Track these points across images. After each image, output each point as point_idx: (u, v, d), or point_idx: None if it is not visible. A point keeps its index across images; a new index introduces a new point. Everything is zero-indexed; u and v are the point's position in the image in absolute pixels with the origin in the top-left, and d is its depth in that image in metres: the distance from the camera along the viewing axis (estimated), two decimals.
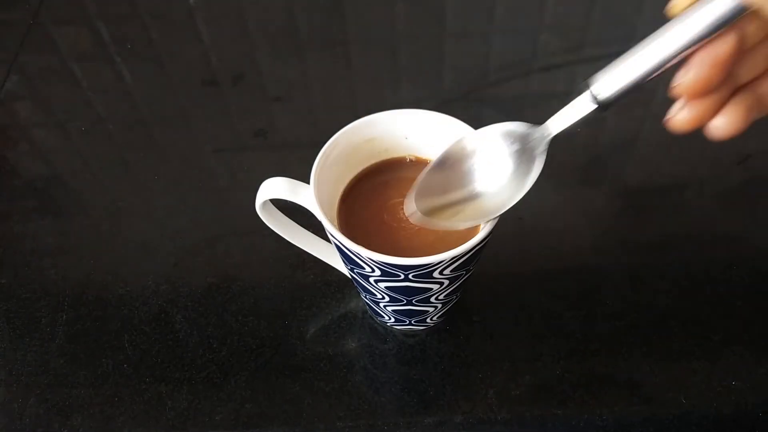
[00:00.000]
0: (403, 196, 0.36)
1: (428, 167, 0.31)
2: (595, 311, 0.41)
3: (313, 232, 0.39)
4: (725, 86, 0.24)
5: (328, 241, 0.37)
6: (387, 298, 0.35)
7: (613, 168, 0.50)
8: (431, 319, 0.39)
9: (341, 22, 0.64)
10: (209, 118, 0.55)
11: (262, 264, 0.45)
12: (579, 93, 0.25)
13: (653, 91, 0.56)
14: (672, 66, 0.23)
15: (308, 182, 0.33)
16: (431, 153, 0.37)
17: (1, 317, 0.43)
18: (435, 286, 0.33)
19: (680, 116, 0.24)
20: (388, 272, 0.31)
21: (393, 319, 0.39)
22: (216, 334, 0.41)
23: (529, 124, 0.29)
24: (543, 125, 0.28)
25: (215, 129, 0.54)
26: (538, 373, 0.39)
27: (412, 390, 0.38)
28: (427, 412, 0.37)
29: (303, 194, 0.33)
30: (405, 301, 0.35)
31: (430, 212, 0.31)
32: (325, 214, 0.31)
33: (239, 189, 0.50)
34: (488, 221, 0.30)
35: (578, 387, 0.38)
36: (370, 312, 0.41)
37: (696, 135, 0.52)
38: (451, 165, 0.31)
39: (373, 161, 0.37)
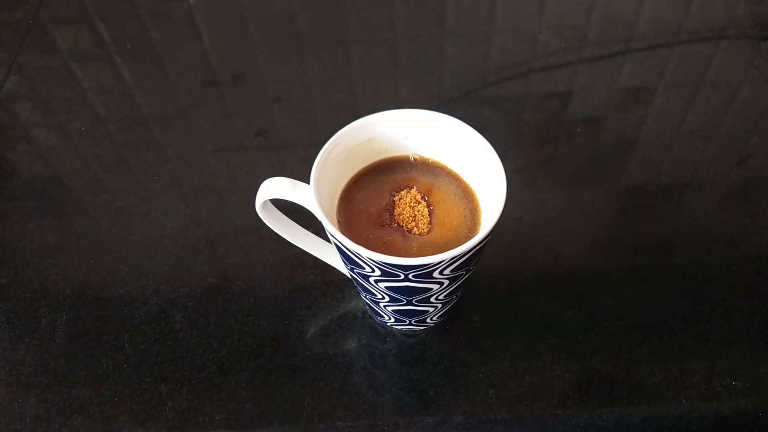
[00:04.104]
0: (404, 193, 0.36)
1: None
2: (595, 311, 0.41)
3: (313, 232, 0.39)
4: None
5: (328, 241, 0.37)
6: (387, 298, 0.35)
7: (613, 168, 0.50)
8: (431, 319, 0.39)
9: (341, 22, 0.64)
10: (209, 118, 0.55)
11: (262, 264, 0.45)
12: None
13: (653, 90, 0.56)
14: None
15: (308, 182, 0.33)
16: (431, 153, 0.37)
17: (1, 317, 0.43)
18: (435, 286, 0.33)
19: None
20: (388, 272, 0.31)
21: (393, 319, 0.39)
22: (216, 334, 0.41)
23: None
24: None
25: (215, 129, 0.54)
26: (538, 373, 0.39)
27: (412, 390, 0.38)
28: (427, 412, 0.37)
29: (303, 194, 0.33)
30: (405, 301, 0.35)
31: None
32: (325, 214, 0.31)
33: (239, 189, 0.50)
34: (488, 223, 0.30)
35: (578, 387, 0.38)
36: (370, 312, 0.41)
37: (695, 135, 0.53)
38: None
39: (373, 161, 0.37)
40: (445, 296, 0.35)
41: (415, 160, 0.37)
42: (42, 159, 0.54)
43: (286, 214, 0.37)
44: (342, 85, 0.58)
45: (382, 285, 0.33)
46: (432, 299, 0.35)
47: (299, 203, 0.33)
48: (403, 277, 0.31)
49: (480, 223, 0.34)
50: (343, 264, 0.35)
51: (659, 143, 0.51)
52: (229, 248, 0.46)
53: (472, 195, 0.36)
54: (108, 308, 0.43)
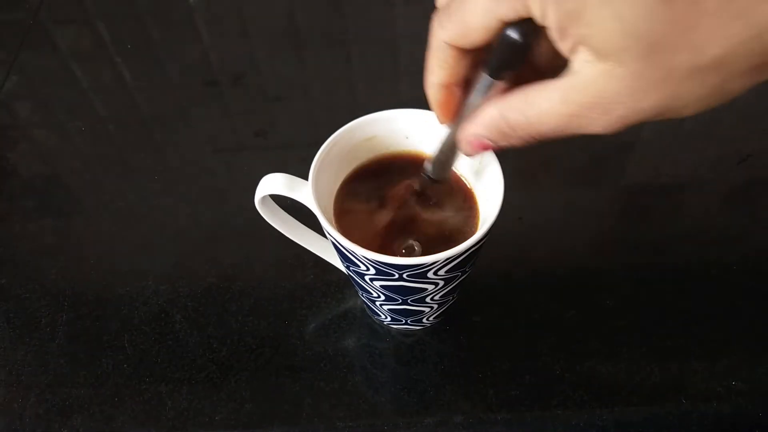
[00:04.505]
0: (403, 194, 0.36)
1: None
2: (595, 311, 0.41)
3: (312, 230, 0.39)
4: None
5: (327, 238, 0.37)
6: (383, 297, 0.35)
7: (613, 168, 0.50)
8: (428, 320, 0.39)
9: (341, 22, 0.64)
10: (209, 118, 0.55)
11: (262, 264, 0.45)
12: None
13: None
14: None
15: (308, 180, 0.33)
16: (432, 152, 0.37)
17: (1, 317, 0.43)
18: (430, 287, 0.33)
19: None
20: (382, 271, 0.31)
21: (389, 318, 0.39)
22: (216, 334, 0.41)
23: None
24: None
25: (215, 129, 0.54)
26: (538, 373, 0.39)
27: (412, 390, 0.38)
28: (427, 412, 0.37)
29: (301, 191, 0.33)
30: (400, 301, 0.35)
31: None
32: (323, 211, 0.31)
33: (239, 189, 0.50)
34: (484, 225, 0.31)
35: (578, 387, 0.38)
36: (368, 311, 0.41)
37: (695, 135, 0.52)
38: None
39: (372, 159, 0.37)
40: (440, 297, 0.35)
41: (410, 157, 0.37)
42: (42, 159, 0.54)
43: (286, 212, 0.38)
44: (342, 85, 0.58)
45: (378, 284, 0.33)
46: (427, 299, 0.35)
47: (298, 200, 0.33)
48: (397, 276, 0.31)
49: (477, 225, 0.34)
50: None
51: (659, 143, 0.51)
52: (229, 248, 0.46)
53: (471, 195, 0.36)
54: (108, 308, 0.43)
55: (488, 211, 0.32)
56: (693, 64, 0.20)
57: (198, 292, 0.43)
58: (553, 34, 0.21)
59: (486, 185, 0.34)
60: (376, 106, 0.36)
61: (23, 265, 0.45)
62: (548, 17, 0.21)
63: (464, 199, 0.36)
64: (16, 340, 0.41)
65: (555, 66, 0.23)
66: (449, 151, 0.30)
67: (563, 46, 0.22)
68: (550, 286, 0.43)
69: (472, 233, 0.31)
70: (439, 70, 0.26)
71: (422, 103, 0.36)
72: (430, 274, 0.31)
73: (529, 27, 0.22)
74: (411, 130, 0.36)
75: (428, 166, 0.32)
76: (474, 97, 0.26)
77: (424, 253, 0.29)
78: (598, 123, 0.22)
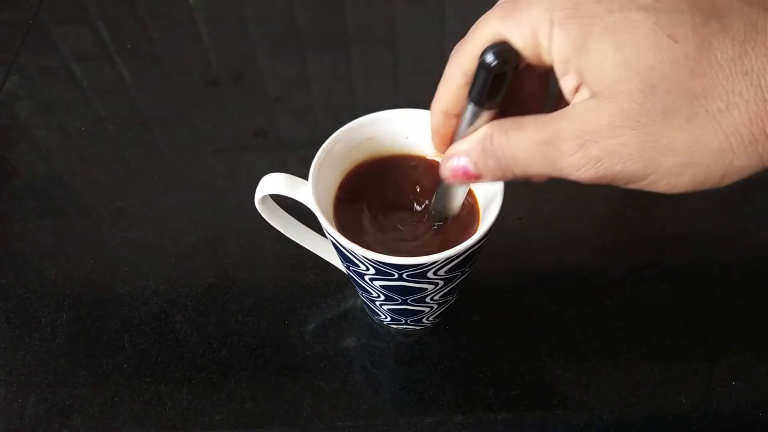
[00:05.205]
0: (402, 193, 0.36)
1: None
2: (595, 311, 0.41)
3: (312, 229, 0.39)
4: None
5: (327, 238, 0.37)
6: (382, 297, 0.35)
7: None
8: (427, 320, 0.39)
9: (341, 22, 0.64)
10: (209, 118, 0.55)
11: (262, 264, 0.45)
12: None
13: None
14: None
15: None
16: (432, 153, 0.37)
17: (1, 317, 0.43)
18: (430, 287, 0.33)
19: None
20: (382, 271, 0.31)
21: (389, 318, 0.39)
22: (216, 334, 0.41)
23: None
24: None
25: (215, 129, 0.54)
26: (538, 373, 0.39)
27: (412, 390, 0.38)
28: (427, 412, 0.37)
29: (301, 191, 0.33)
30: (400, 300, 0.35)
31: None
32: (323, 211, 0.31)
33: (239, 189, 0.50)
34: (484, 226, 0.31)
35: (578, 387, 0.38)
36: (368, 311, 0.41)
37: None
38: None
39: (373, 159, 0.37)
40: (440, 297, 0.35)
41: (413, 159, 0.37)
42: (42, 159, 0.54)
43: (287, 212, 0.38)
44: (342, 85, 0.58)
45: (377, 284, 0.33)
46: (427, 299, 0.35)
47: (298, 200, 0.33)
48: (397, 276, 0.31)
49: (478, 225, 0.34)
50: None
51: None
52: (229, 248, 0.46)
53: (471, 195, 0.36)
54: (108, 308, 0.43)
55: (488, 211, 0.32)
56: (692, 115, 0.18)
57: (198, 292, 0.43)
58: (557, 68, 0.21)
59: (486, 185, 0.34)
60: (376, 106, 0.36)
61: (23, 265, 0.45)
62: (554, 44, 0.20)
63: (465, 198, 0.36)
64: (16, 340, 0.41)
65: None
66: (448, 187, 0.30)
67: (565, 85, 0.21)
68: (550, 286, 0.43)
69: (472, 233, 0.31)
70: (444, 97, 0.26)
71: (422, 103, 0.36)
72: (429, 274, 0.31)
73: (507, 51, 0.21)
74: (411, 130, 0.36)
75: (433, 203, 0.32)
76: (461, 126, 0.25)
77: (423, 254, 0.29)
78: (569, 159, 0.20)
